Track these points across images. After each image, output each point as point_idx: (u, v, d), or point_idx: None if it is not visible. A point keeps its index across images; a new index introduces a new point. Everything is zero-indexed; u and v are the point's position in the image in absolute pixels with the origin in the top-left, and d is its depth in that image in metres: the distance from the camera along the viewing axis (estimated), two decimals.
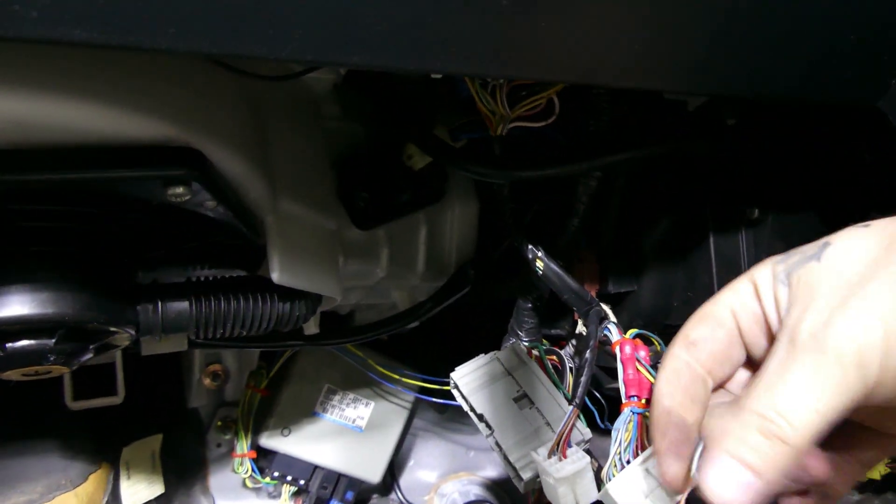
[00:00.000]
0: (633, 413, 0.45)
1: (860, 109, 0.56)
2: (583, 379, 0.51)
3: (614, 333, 0.52)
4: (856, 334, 0.30)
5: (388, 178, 0.69)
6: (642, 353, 0.49)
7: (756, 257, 0.64)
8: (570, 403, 0.52)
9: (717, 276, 0.65)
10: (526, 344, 0.62)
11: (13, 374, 0.48)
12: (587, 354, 0.51)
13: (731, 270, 0.64)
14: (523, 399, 0.55)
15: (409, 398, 0.89)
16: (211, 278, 0.55)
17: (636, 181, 0.69)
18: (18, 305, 0.43)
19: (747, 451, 0.33)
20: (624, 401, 0.47)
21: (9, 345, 0.45)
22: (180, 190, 0.41)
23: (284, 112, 0.59)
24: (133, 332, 0.50)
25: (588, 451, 0.53)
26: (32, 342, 0.45)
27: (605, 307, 0.56)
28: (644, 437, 0.45)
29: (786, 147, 0.65)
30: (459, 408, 1.04)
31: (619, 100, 0.63)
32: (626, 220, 0.71)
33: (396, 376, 0.79)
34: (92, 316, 0.46)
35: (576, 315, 0.73)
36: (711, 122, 0.62)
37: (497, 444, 0.53)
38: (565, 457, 0.48)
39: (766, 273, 0.37)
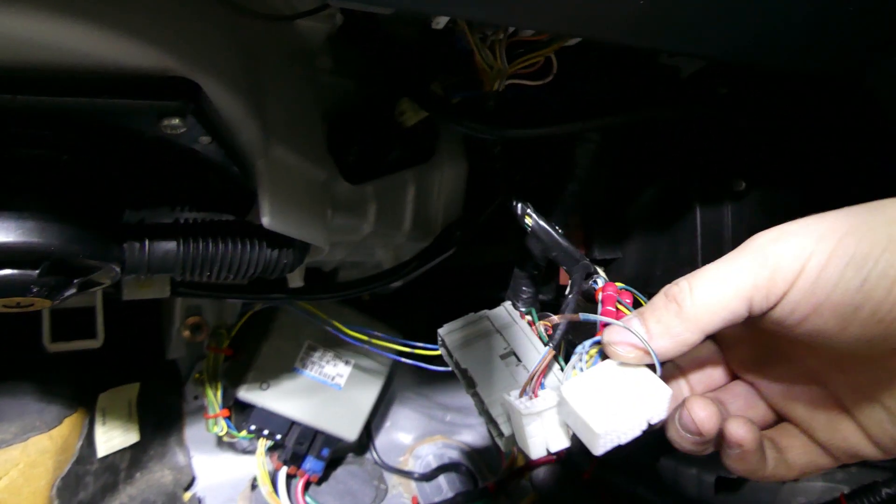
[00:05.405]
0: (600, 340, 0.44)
1: (848, 84, 0.57)
2: (562, 322, 0.51)
3: (600, 283, 0.52)
4: (785, 243, 0.34)
5: (379, 134, 0.69)
6: (626, 299, 0.49)
7: (740, 230, 0.65)
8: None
9: (702, 246, 0.65)
10: (522, 310, 0.62)
11: None
12: (568, 299, 0.52)
13: (715, 241, 0.65)
14: (510, 356, 0.55)
15: (389, 359, 0.90)
16: (199, 221, 0.54)
17: (625, 149, 0.70)
18: (3, 233, 0.42)
19: (648, 308, 0.38)
20: (598, 331, 0.46)
21: None
22: (175, 122, 0.40)
23: (278, 61, 0.58)
24: (118, 270, 0.50)
25: None
26: (16, 272, 0.44)
27: (594, 265, 0.56)
28: None
29: (774, 120, 0.65)
30: (438, 372, 1.04)
31: (615, 64, 0.63)
32: (613, 187, 0.71)
33: (364, 337, 0.75)
34: (77, 249, 0.45)
35: (561, 279, 0.74)
36: (703, 90, 0.63)
37: (480, 399, 0.53)
38: (536, 396, 0.47)
39: None
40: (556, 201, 0.74)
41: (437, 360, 0.65)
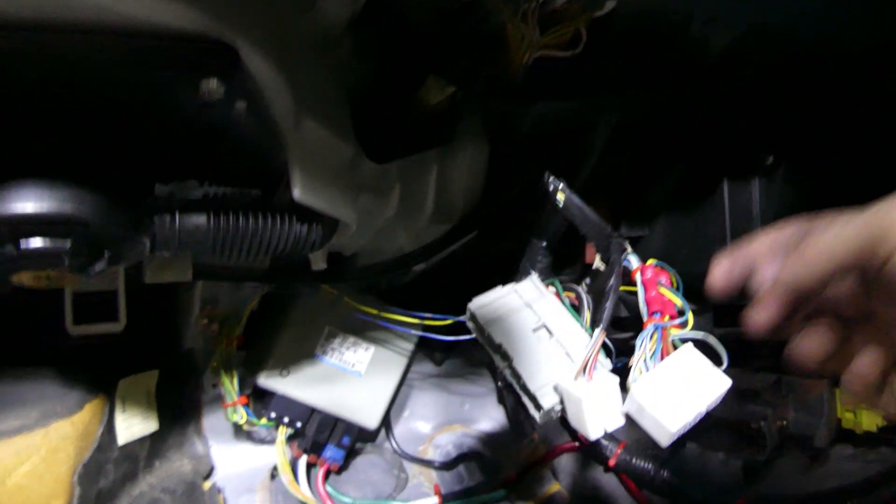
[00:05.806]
0: (657, 328, 0.45)
1: (879, 57, 0.56)
2: (608, 303, 0.51)
3: (634, 262, 0.52)
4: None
5: (403, 113, 0.68)
6: (663, 279, 0.49)
7: (769, 205, 0.64)
8: (594, 328, 0.51)
9: (730, 221, 0.65)
10: (535, 276, 0.61)
11: (25, 277, 0.46)
12: (612, 281, 0.51)
13: (744, 216, 0.64)
14: (542, 330, 0.54)
15: (408, 346, 0.89)
16: (228, 195, 0.53)
17: (652, 125, 0.69)
18: (36, 201, 0.42)
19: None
20: (646, 318, 0.47)
21: (23, 244, 0.43)
22: (214, 85, 0.40)
23: (307, 36, 0.57)
24: (148, 243, 0.49)
25: None
26: (48, 242, 0.43)
27: (624, 241, 0.56)
28: (668, 348, 0.45)
29: (803, 96, 0.65)
30: (455, 359, 1.04)
31: (644, 38, 0.62)
32: (639, 164, 0.71)
33: (374, 311, 0.77)
34: (110, 219, 0.45)
35: (587, 258, 0.73)
36: (733, 64, 0.62)
37: (515, 374, 0.53)
38: (591, 380, 0.48)
39: None
40: (580, 179, 0.73)
41: (449, 331, 0.65)
